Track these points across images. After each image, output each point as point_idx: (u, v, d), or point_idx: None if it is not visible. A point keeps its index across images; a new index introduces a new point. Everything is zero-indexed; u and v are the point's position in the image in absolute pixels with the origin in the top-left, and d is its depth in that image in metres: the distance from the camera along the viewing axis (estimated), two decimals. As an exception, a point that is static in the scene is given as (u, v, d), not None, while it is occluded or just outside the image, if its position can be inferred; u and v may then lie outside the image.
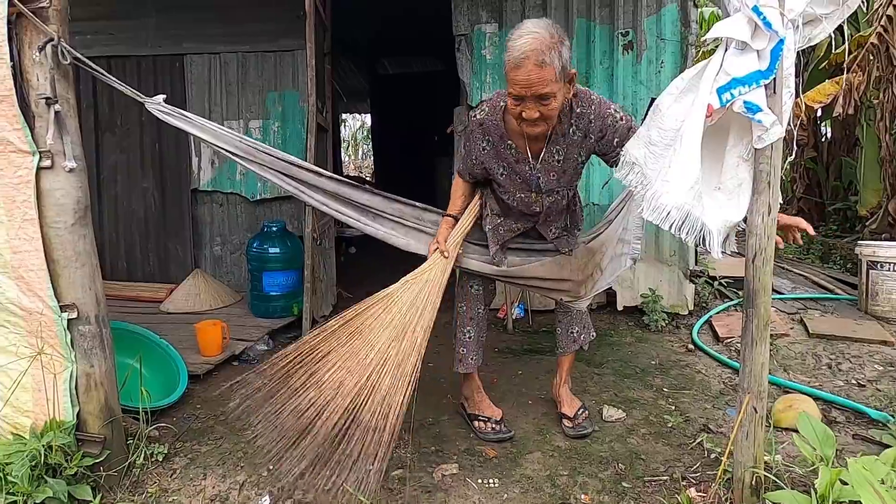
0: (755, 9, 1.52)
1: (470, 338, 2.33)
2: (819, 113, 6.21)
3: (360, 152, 20.85)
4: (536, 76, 1.72)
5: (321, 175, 2.20)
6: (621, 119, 1.99)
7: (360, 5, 5.53)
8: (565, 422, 2.35)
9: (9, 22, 1.80)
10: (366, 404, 1.88)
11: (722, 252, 1.63)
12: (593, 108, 1.96)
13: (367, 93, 9.35)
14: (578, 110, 1.96)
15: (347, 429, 1.85)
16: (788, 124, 1.74)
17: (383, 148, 9.46)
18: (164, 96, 2.04)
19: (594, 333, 2.51)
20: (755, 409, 1.64)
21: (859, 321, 3.36)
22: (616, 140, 1.97)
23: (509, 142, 2.04)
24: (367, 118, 14.21)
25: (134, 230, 4.43)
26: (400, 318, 2.03)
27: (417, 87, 8.29)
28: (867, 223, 5.35)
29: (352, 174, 15.50)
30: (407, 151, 8.75)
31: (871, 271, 3.49)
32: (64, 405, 1.96)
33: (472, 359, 2.34)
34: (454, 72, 3.82)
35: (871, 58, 4.99)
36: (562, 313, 2.43)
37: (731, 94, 1.55)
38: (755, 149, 1.62)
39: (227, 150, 2.09)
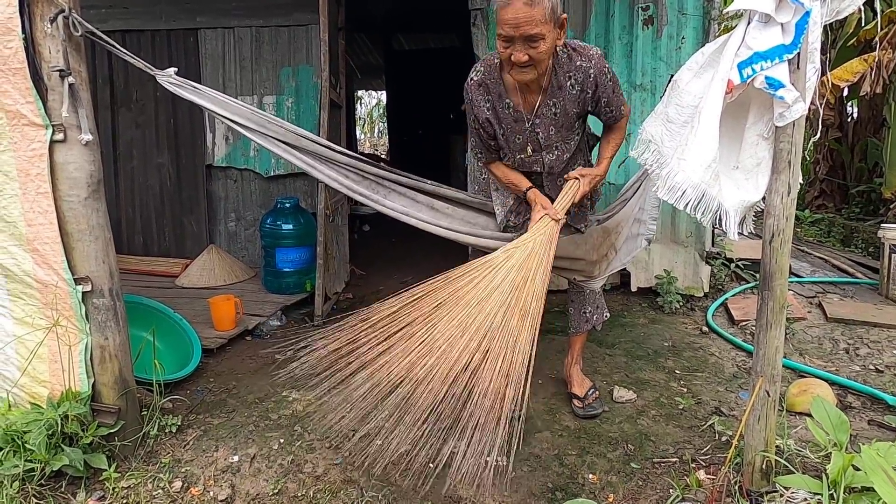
0: (781, -21, 1.46)
1: None
2: (846, 92, 6.02)
3: (376, 130, 20.74)
4: (525, 15, 1.68)
5: (333, 149, 2.18)
6: (611, 80, 1.99)
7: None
8: (575, 402, 2.34)
9: (20, -6, 1.80)
10: (481, 372, 1.71)
11: (739, 233, 1.59)
12: (593, 62, 1.93)
13: (383, 69, 9.26)
14: (578, 63, 1.92)
15: (458, 398, 1.71)
16: (813, 102, 1.69)
17: (398, 125, 9.40)
18: (176, 69, 2.02)
19: (608, 314, 2.48)
20: (767, 393, 1.62)
21: (879, 306, 3.30)
22: (605, 100, 1.99)
23: (507, 100, 1.99)
24: (383, 96, 14.10)
25: (150, 205, 4.46)
26: (508, 284, 1.80)
27: (433, 64, 8.17)
28: (891, 206, 5.22)
29: (367, 152, 15.49)
30: (422, 128, 8.68)
31: (893, 255, 3.41)
32: (80, 376, 1.99)
33: None
34: (471, 48, 3.75)
35: (902, 34, 4.82)
36: (575, 293, 2.40)
37: (753, 70, 1.49)
38: (776, 127, 1.57)
39: (238, 123, 2.07)
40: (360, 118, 18.49)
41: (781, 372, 1.69)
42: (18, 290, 1.98)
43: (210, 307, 3.05)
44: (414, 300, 1.84)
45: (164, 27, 4.26)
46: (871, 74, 4.96)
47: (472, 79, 2.02)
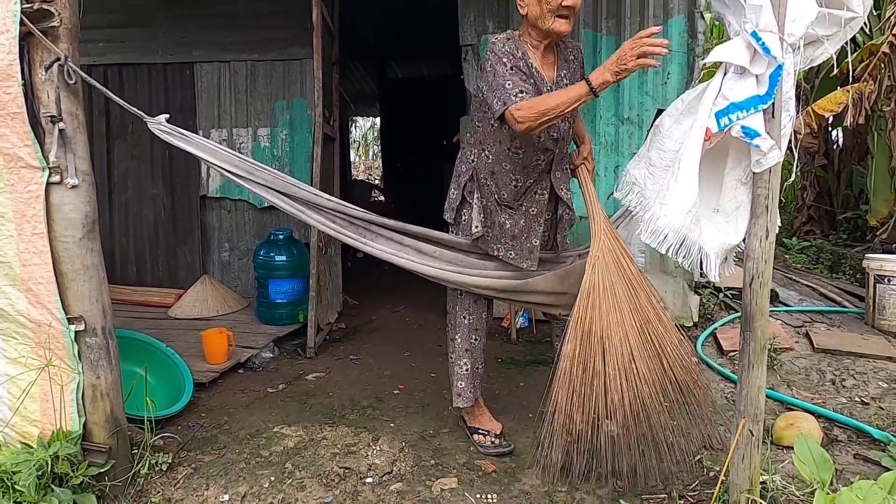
0: (754, 34, 1.53)
1: (467, 370, 2.33)
2: (830, 119, 6.16)
3: (371, 153, 20.88)
4: None
5: (320, 196, 2.22)
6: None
7: (369, 7, 5.57)
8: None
9: (20, 40, 1.85)
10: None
11: (702, 284, 1.64)
12: (578, 43, 2.30)
13: (377, 96, 9.38)
14: (570, 42, 2.23)
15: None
16: (790, 142, 1.75)
17: (392, 151, 9.50)
18: (167, 116, 2.08)
19: None
20: (751, 433, 1.65)
21: (866, 336, 3.34)
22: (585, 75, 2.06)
23: (535, 71, 2.10)
24: (378, 119, 14.26)
25: (144, 235, 4.49)
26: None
27: (427, 91, 8.31)
28: (878, 233, 5.30)
29: (360, 177, 15.59)
30: (415, 155, 8.77)
31: (878, 285, 3.46)
32: (71, 415, 2.00)
33: (470, 392, 2.34)
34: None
35: (883, 67, 4.95)
36: (558, 326, 2.44)
37: (729, 119, 1.55)
38: (753, 172, 1.63)
39: (227, 170, 2.11)
40: (354, 141, 18.63)
41: (766, 408, 1.72)
42: (12, 329, 1.99)
43: (203, 340, 3.06)
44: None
45: (161, 61, 4.33)
46: (853, 105, 5.08)
47: (498, 40, 2.09)
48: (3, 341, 2.00)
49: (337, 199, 2.27)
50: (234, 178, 2.13)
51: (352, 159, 15.59)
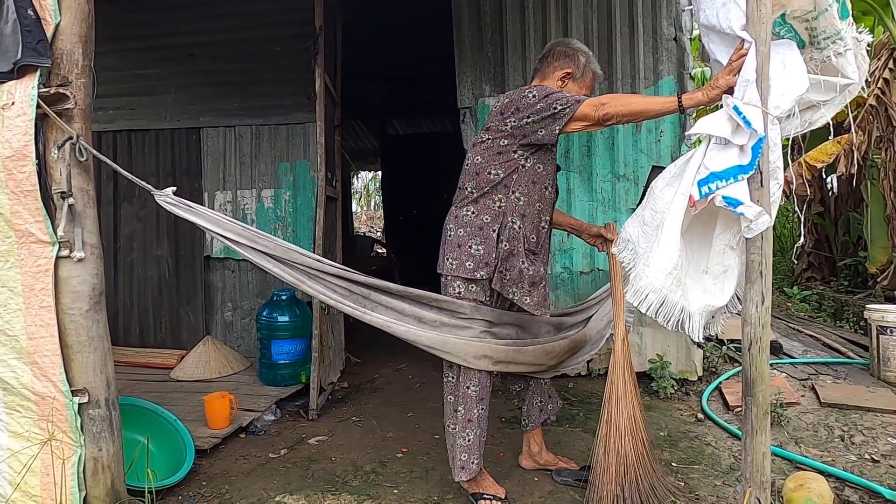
0: (735, 108, 1.60)
1: (470, 441, 2.25)
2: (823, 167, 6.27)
3: (373, 203, 21.13)
4: None
5: (321, 261, 2.26)
6: None
7: (371, 71, 5.77)
8: (570, 464, 2.57)
9: (35, 121, 1.93)
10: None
11: (705, 338, 1.67)
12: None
13: (378, 152, 9.59)
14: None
15: None
16: (788, 180, 1.80)
17: (393, 205, 9.63)
18: (175, 189, 2.15)
19: (560, 402, 2.67)
20: (759, 500, 1.63)
21: (872, 388, 3.31)
22: None
23: None
24: (379, 172, 14.51)
25: (147, 296, 4.52)
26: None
27: (427, 147, 8.48)
28: (878, 279, 5.31)
29: (362, 227, 15.73)
30: (417, 208, 8.88)
31: (881, 336, 3.45)
32: (71, 490, 1.98)
33: (474, 463, 2.26)
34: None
35: (871, 118, 5.09)
36: (530, 388, 2.54)
37: (710, 188, 1.61)
38: (746, 238, 1.67)
39: (230, 239, 2.16)
40: (356, 192, 18.89)
41: (774, 466, 1.70)
42: (15, 402, 2.00)
43: (205, 405, 3.05)
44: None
45: (168, 126, 4.47)
46: (845, 156, 5.19)
47: None
48: (6, 415, 2.01)
49: (337, 265, 2.31)
50: (237, 247, 2.18)
51: (354, 209, 15.78)
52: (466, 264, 2.21)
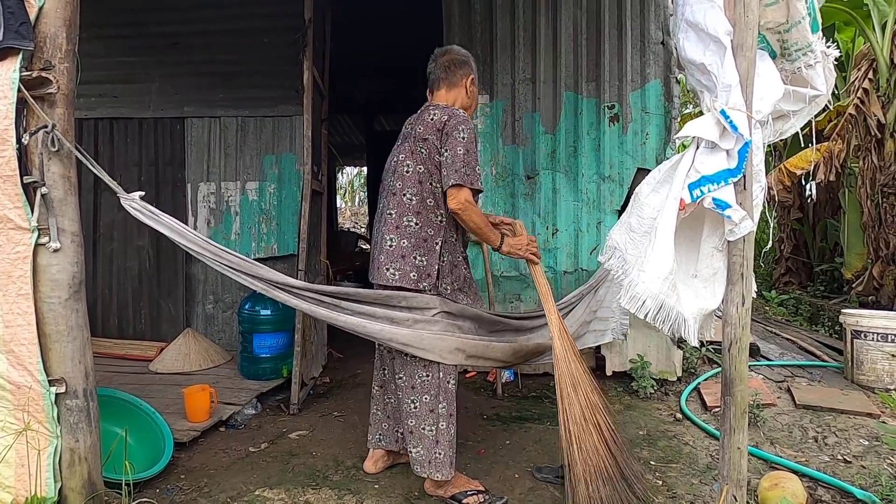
0: (722, 112, 1.62)
1: (453, 435, 2.31)
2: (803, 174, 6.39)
3: (357, 199, 21.04)
4: None
5: (287, 279, 2.24)
6: None
7: (359, 67, 5.74)
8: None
9: (18, 105, 1.89)
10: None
11: (699, 341, 1.68)
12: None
13: (364, 148, 9.55)
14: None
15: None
16: (770, 188, 1.83)
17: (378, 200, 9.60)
18: (142, 193, 2.14)
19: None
20: (735, 498, 1.66)
21: (846, 391, 3.39)
22: None
23: None
24: (364, 167, 14.46)
25: (127, 287, 4.46)
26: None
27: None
28: (854, 285, 5.43)
29: (346, 223, 15.67)
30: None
31: (855, 340, 3.53)
32: (46, 481, 1.95)
33: (453, 458, 2.32)
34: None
35: (850, 127, 5.19)
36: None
37: (701, 191, 1.63)
38: (728, 241, 1.69)
39: (195, 251, 2.15)
40: (340, 187, 18.79)
41: (750, 466, 1.73)
42: (-10, 392, 1.96)
43: (184, 397, 3.01)
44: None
45: (152, 115, 4.41)
46: (824, 164, 5.29)
47: (469, 120, 2.27)
48: (-20, 404, 1.97)
49: (303, 283, 2.31)
50: (203, 260, 2.18)
51: (338, 204, 15.70)
52: (410, 275, 2.25)
